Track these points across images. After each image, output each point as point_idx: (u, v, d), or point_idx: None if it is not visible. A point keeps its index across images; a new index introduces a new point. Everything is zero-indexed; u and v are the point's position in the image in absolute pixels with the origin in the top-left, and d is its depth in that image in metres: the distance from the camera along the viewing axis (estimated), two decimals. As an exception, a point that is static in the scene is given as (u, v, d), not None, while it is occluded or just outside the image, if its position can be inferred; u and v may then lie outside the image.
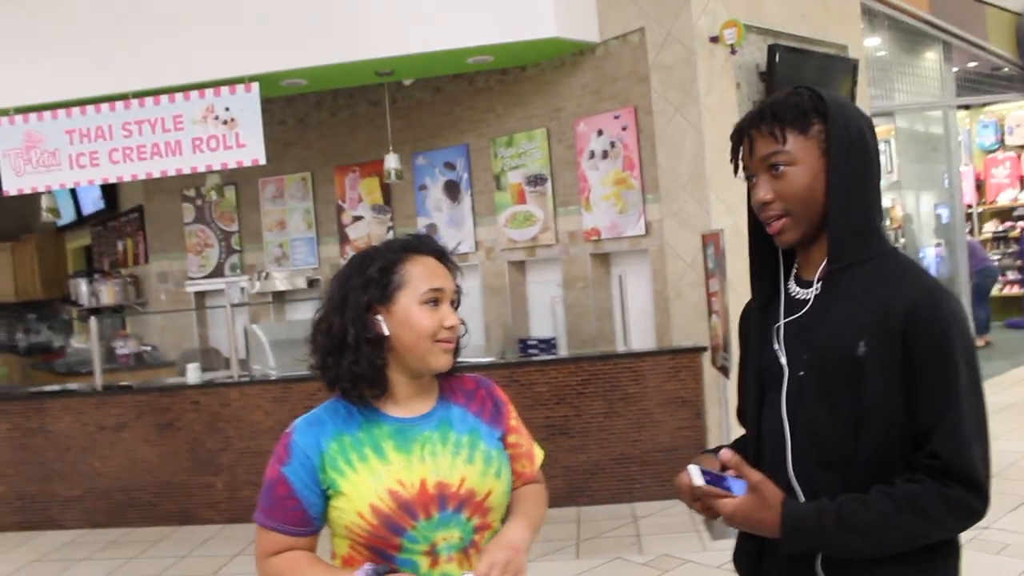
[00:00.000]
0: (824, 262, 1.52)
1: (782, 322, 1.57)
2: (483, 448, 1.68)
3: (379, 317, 1.61)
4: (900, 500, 1.39)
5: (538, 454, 1.86)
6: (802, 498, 1.49)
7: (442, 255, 1.69)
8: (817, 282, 1.54)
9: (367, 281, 1.61)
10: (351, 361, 1.60)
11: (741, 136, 1.57)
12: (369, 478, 1.57)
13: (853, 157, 1.49)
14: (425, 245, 1.68)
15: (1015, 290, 12.67)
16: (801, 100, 1.53)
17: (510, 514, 1.73)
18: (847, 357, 1.45)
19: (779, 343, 1.57)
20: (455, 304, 1.69)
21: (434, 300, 1.62)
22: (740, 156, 1.58)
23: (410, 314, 1.60)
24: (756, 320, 1.66)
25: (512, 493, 1.76)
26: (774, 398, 1.56)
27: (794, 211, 1.52)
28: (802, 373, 1.51)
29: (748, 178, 1.58)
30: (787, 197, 1.52)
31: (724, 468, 1.53)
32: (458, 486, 1.62)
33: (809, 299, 1.55)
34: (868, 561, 1.44)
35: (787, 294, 1.59)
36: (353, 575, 1.53)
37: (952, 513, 1.40)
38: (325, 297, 1.68)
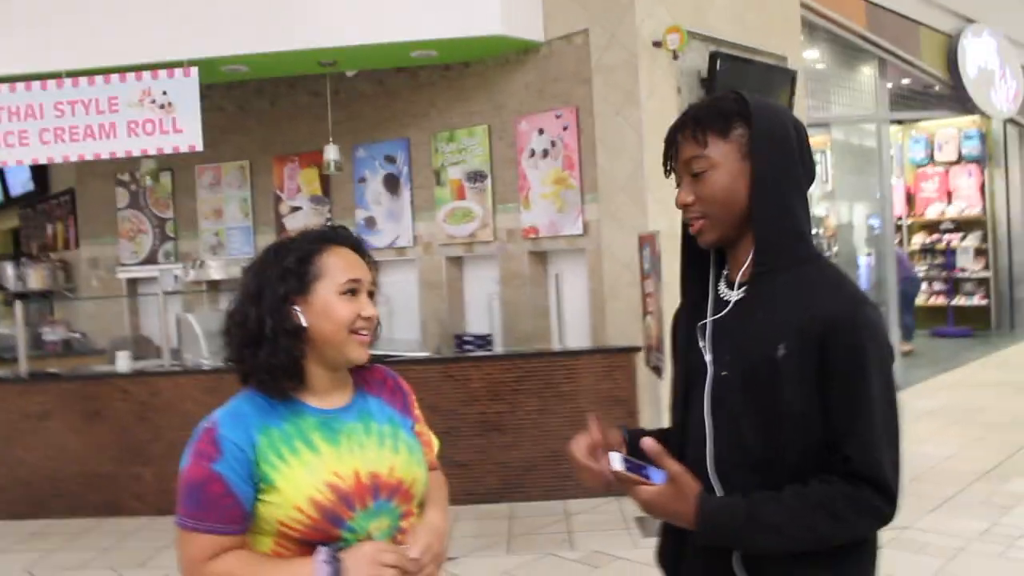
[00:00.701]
0: (750, 264, 1.55)
1: (709, 321, 1.60)
2: (404, 437, 1.71)
3: (297, 308, 1.60)
4: (811, 499, 1.43)
5: (435, 443, 1.90)
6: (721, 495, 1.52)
7: (359, 246, 1.71)
8: (741, 285, 1.57)
9: (284, 272, 1.60)
10: (268, 353, 1.58)
11: (670, 140, 1.60)
12: (303, 471, 1.55)
13: (776, 160, 1.51)
14: (341, 236, 1.69)
15: (940, 300, 13.07)
16: (724, 104, 1.55)
17: (425, 502, 1.76)
18: (767, 360, 1.47)
19: (704, 342, 1.59)
20: (372, 296, 1.69)
21: (352, 291, 1.63)
22: (672, 157, 1.61)
23: (328, 304, 1.60)
24: (684, 320, 1.68)
25: None
26: (698, 396, 1.59)
27: (712, 213, 1.55)
28: (725, 373, 1.54)
29: (677, 181, 1.62)
30: (706, 200, 1.54)
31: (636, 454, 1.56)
32: (388, 475, 1.63)
33: (732, 300, 1.58)
34: (787, 559, 1.47)
35: (716, 294, 1.62)
36: (313, 559, 1.52)
37: (860, 514, 1.43)
38: (240, 288, 1.66)
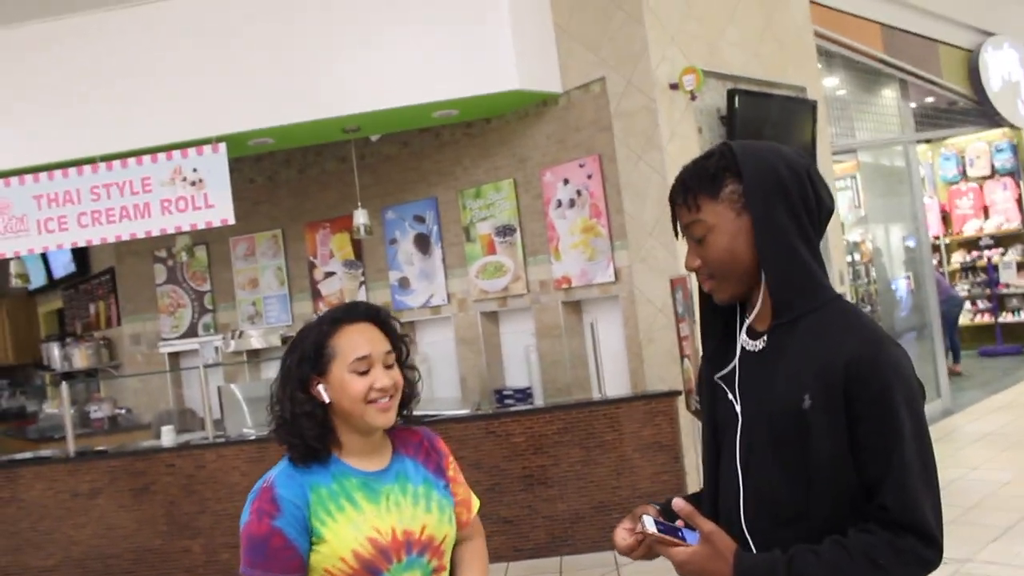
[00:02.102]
0: (769, 314, 1.54)
1: (737, 373, 1.58)
2: (436, 497, 1.85)
3: (321, 387, 1.76)
4: (852, 550, 1.39)
5: (475, 503, 2.01)
6: (755, 552, 1.49)
7: (377, 318, 1.83)
8: (762, 334, 1.56)
9: (302, 358, 1.77)
10: (289, 433, 1.77)
11: (671, 205, 1.61)
12: (348, 526, 1.72)
13: (774, 209, 1.49)
14: (357, 312, 1.82)
15: (986, 319, 12.83)
16: (709, 164, 1.54)
17: (462, 564, 1.94)
18: (794, 412, 1.45)
19: (734, 395, 1.57)
20: (401, 358, 1.83)
21: (364, 368, 1.75)
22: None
23: (343, 382, 1.75)
24: (707, 371, 1.66)
25: (459, 549, 1.95)
26: (729, 448, 1.57)
27: (719, 274, 1.55)
28: (753, 426, 1.52)
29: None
30: (710, 262, 1.55)
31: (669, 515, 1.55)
32: (420, 533, 1.79)
33: (757, 350, 1.56)
34: None
35: (740, 346, 1.60)
36: None
37: (904, 563, 1.39)
38: (280, 368, 1.83)
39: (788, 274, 1.49)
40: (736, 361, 1.59)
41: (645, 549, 1.53)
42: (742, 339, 1.59)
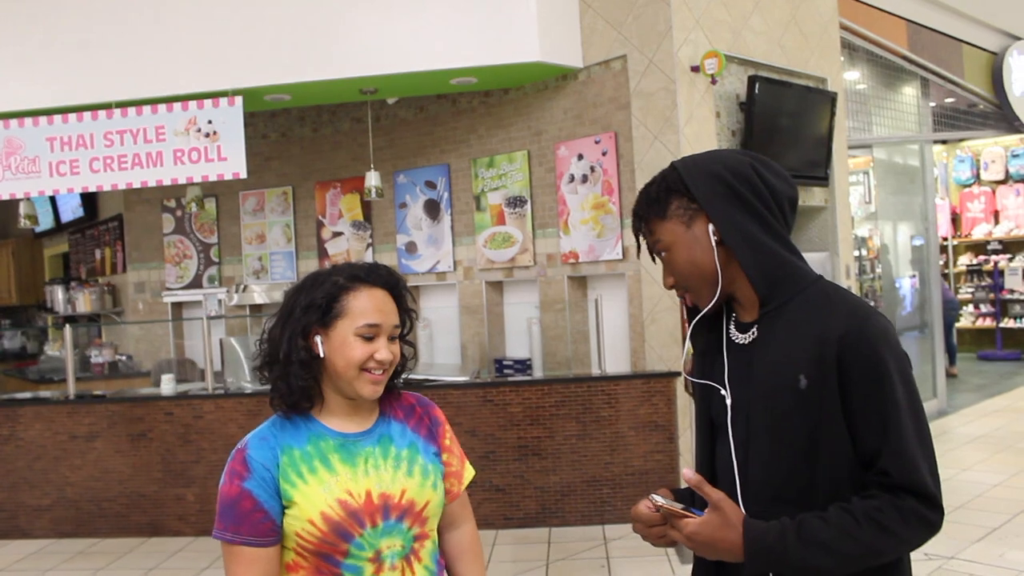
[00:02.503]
0: (756, 305, 1.59)
1: (725, 365, 1.63)
2: (421, 462, 1.79)
3: (318, 338, 1.70)
4: (858, 514, 1.42)
5: (467, 474, 1.96)
6: None
7: (393, 288, 1.78)
8: (750, 325, 1.61)
9: (310, 305, 1.70)
10: (278, 376, 1.71)
11: (635, 236, 1.70)
12: (319, 488, 1.67)
13: (733, 210, 1.56)
14: (377, 276, 1.76)
15: (987, 323, 12.84)
16: (651, 189, 1.64)
17: (463, 565, 1.90)
18: (790, 392, 1.49)
19: (725, 388, 1.62)
20: (404, 332, 1.79)
21: (370, 334, 1.71)
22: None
23: (345, 343, 1.69)
24: (700, 368, 1.71)
25: (456, 544, 1.92)
26: (723, 438, 1.61)
27: (691, 286, 1.63)
28: (749, 412, 1.56)
29: None
30: (679, 276, 1.63)
31: (679, 499, 1.58)
32: (399, 497, 1.73)
33: (747, 342, 1.61)
34: None
35: (729, 339, 1.65)
36: None
37: (908, 524, 1.43)
38: (280, 307, 1.78)
39: (764, 266, 1.55)
40: (724, 355, 1.64)
41: (663, 530, 1.54)
42: (730, 334, 1.65)
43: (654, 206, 1.62)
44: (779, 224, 1.59)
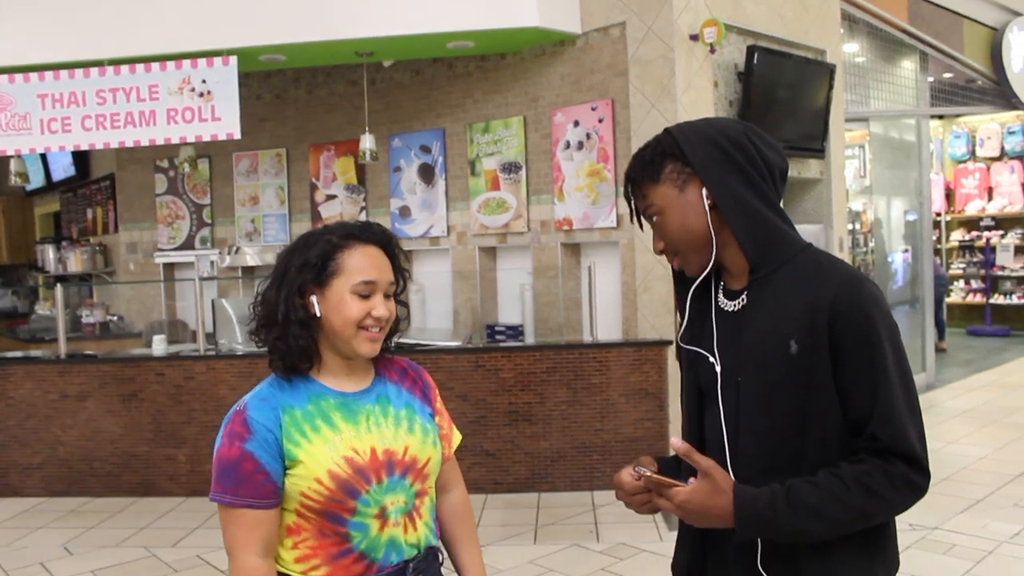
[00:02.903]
0: (746, 271, 1.59)
1: (715, 335, 1.62)
2: (419, 420, 1.80)
3: (314, 298, 1.69)
4: (847, 479, 1.43)
5: (456, 438, 1.97)
6: None
7: (388, 246, 1.77)
8: (739, 293, 1.60)
9: (305, 264, 1.69)
10: (277, 336, 1.69)
11: (627, 201, 1.70)
12: (324, 447, 1.65)
13: (727, 176, 1.55)
14: (371, 234, 1.75)
15: (978, 299, 12.90)
16: (645, 152, 1.63)
17: (459, 544, 1.93)
18: (781, 359, 1.50)
19: (714, 355, 1.62)
20: (398, 291, 1.78)
21: (367, 292, 1.70)
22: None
23: (341, 301, 1.68)
24: (688, 336, 1.70)
25: (447, 507, 1.93)
26: (712, 406, 1.61)
27: (681, 250, 1.62)
28: (740, 379, 1.55)
29: None
30: (671, 241, 1.62)
31: (665, 467, 1.60)
32: (403, 454, 1.73)
33: (736, 309, 1.60)
34: (811, 553, 1.48)
35: (718, 307, 1.65)
36: None
37: (896, 488, 1.44)
38: (273, 269, 1.76)
39: (756, 233, 1.55)
40: (714, 322, 1.63)
41: (646, 498, 1.54)
42: (719, 301, 1.65)
43: (647, 169, 1.60)
44: (771, 193, 1.58)
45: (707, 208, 1.56)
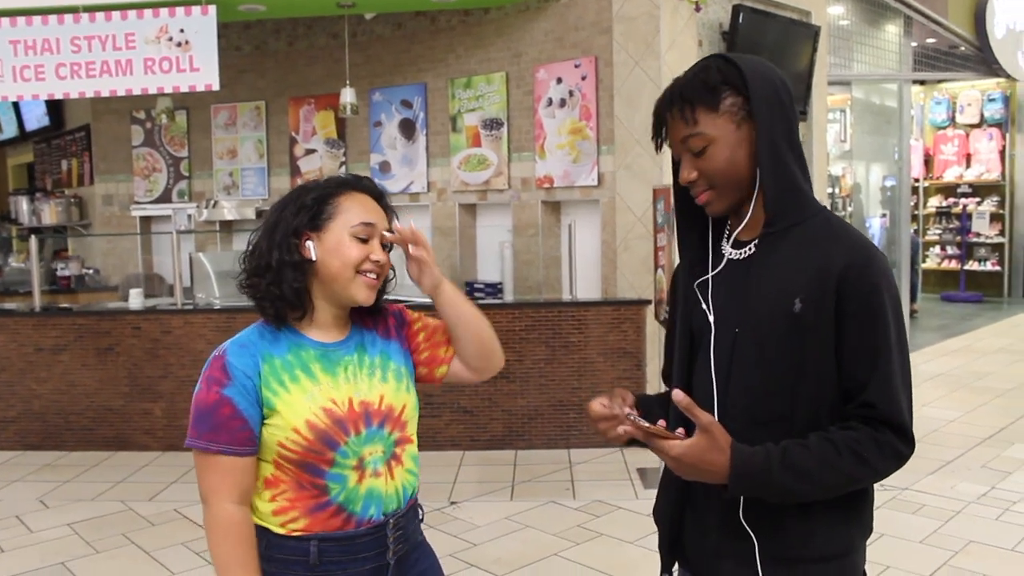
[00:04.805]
0: (760, 223, 1.55)
1: (710, 279, 1.60)
2: (393, 367, 1.78)
3: (310, 243, 1.67)
4: (839, 445, 1.44)
5: (444, 350, 1.91)
6: None
7: (380, 197, 1.75)
8: (746, 243, 1.57)
9: (300, 208, 1.67)
10: (269, 282, 1.66)
11: (659, 117, 1.58)
12: (303, 397, 1.64)
13: (776, 122, 1.51)
14: (364, 185, 1.74)
15: (952, 264, 13.02)
16: (708, 76, 1.52)
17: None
18: (783, 315, 1.48)
19: (707, 303, 1.59)
20: (387, 247, 1.74)
21: (365, 235, 1.68)
22: (663, 134, 1.58)
23: (340, 242, 1.66)
24: (684, 279, 1.68)
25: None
26: (703, 356, 1.59)
27: (718, 185, 1.54)
28: (737, 331, 1.53)
29: (673, 156, 1.60)
30: (709, 174, 1.53)
31: (644, 407, 1.57)
32: (379, 403, 1.71)
33: (741, 258, 1.58)
34: (794, 511, 1.49)
35: (721, 254, 1.62)
36: None
37: (884, 457, 1.46)
38: (263, 221, 1.74)
39: (783, 185, 1.52)
40: (721, 267, 1.60)
41: (614, 425, 1.51)
42: (725, 248, 1.61)
43: (709, 95, 1.50)
44: (800, 148, 1.56)
45: (757, 150, 1.51)
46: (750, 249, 1.56)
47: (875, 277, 1.47)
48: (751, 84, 1.49)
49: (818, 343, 1.47)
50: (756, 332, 1.51)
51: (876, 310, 1.46)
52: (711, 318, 1.57)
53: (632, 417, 1.47)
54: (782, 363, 1.49)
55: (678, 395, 1.45)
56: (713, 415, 1.50)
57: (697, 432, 1.44)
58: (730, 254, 1.60)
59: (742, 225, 1.58)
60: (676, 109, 1.52)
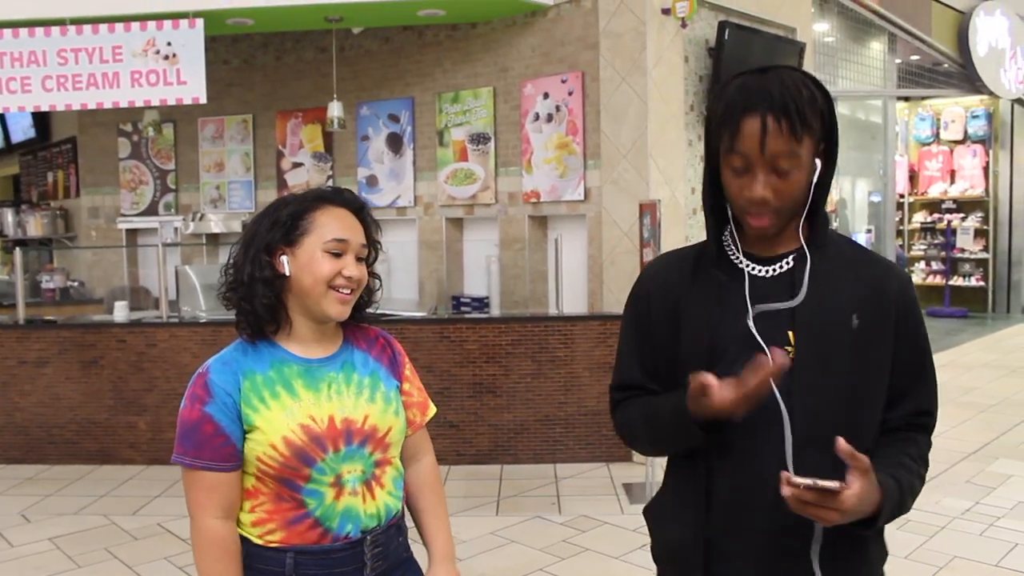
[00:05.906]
0: (781, 240, 1.51)
1: (747, 293, 1.50)
2: (383, 389, 1.77)
3: (284, 258, 1.67)
4: (917, 458, 1.50)
5: (431, 410, 1.94)
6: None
7: (359, 211, 1.75)
8: (779, 259, 1.52)
9: (274, 223, 1.68)
10: (241, 297, 1.68)
11: (740, 116, 1.43)
12: (282, 413, 1.65)
13: (833, 148, 1.50)
14: (342, 198, 1.74)
15: (937, 280, 13.09)
16: (814, 97, 1.44)
17: (426, 515, 1.89)
18: (842, 332, 1.46)
19: (750, 320, 1.48)
20: (369, 258, 1.76)
21: (338, 251, 1.68)
22: (732, 134, 1.44)
23: (312, 259, 1.66)
24: (691, 292, 1.58)
25: (416, 476, 1.89)
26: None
27: (784, 209, 1.46)
28: (789, 350, 1.45)
29: (737, 160, 1.46)
30: (784, 198, 1.45)
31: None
32: (362, 422, 1.71)
33: (776, 274, 1.52)
34: (860, 541, 1.48)
35: (735, 271, 1.54)
36: None
37: (928, 464, 1.55)
38: (242, 232, 1.76)
39: (823, 207, 1.55)
40: (747, 287, 1.51)
41: (788, 496, 1.34)
42: (746, 264, 1.53)
43: (815, 119, 1.43)
44: None
45: (815, 177, 1.47)
46: (786, 263, 1.51)
47: (914, 292, 1.56)
48: (831, 113, 1.46)
49: (876, 359, 1.48)
50: (817, 349, 1.45)
51: (918, 324, 1.55)
52: (760, 339, 1.45)
53: (796, 482, 1.32)
54: (843, 380, 1.45)
55: (843, 445, 1.34)
56: (785, 443, 1.44)
57: (858, 477, 1.34)
58: (755, 271, 1.53)
59: (769, 244, 1.53)
60: (786, 121, 1.40)
